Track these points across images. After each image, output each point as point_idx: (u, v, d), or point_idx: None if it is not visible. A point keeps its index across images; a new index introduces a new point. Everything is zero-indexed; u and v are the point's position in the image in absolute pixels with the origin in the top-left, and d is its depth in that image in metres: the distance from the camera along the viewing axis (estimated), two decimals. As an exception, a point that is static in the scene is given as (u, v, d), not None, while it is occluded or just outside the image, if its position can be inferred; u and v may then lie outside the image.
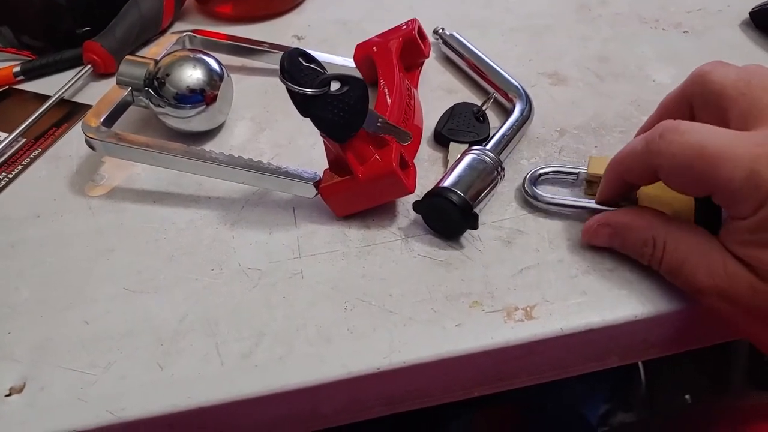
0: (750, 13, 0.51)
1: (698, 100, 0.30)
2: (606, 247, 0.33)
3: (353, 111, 0.31)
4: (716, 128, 0.27)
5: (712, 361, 0.83)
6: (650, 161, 0.28)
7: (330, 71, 0.44)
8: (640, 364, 0.73)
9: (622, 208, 0.33)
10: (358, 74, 0.44)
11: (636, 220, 0.31)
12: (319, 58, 0.44)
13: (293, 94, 0.30)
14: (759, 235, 0.26)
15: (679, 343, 0.35)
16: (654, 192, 0.33)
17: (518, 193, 0.37)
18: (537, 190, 0.35)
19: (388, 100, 0.38)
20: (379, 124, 0.33)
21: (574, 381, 0.65)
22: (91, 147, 0.37)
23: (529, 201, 0.36)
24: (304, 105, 0.31)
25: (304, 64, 0.31)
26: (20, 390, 0.28)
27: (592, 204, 0.34)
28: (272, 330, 0.30)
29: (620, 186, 0.32)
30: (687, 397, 0.81)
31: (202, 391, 0.28)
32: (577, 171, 0.36)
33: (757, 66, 0.29)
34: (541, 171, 0.36)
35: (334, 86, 0.31)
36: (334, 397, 0.30)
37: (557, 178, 0.37)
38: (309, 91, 0.30)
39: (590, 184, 0.36)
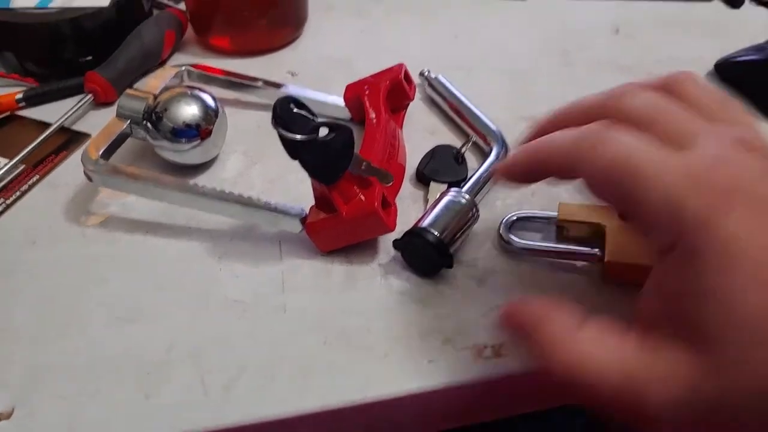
0: (715, 65, 0.54)
1: (587, 178, 0.26)
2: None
3: (339, 156, 0.33)
4: (649, 142, 0.24)
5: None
6: (575, 165, 0.26)
7: (321, 110, 0.47)
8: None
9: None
10: (347, 113, 0.46)
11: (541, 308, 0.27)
12: (311, 96, 0.47)
13: (284, 139, 0.32)
14: (688, 284, 0.22)
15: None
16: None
17: (493, 234, 0.39)
18: (511, 236, 0.37)
19: (374, 140, 0.40)
20: (363, 167, 0.35)
21: (550, 412, 0.66)
22: (89, 179, 0.39)
23: (504, 246, 0.38)
24: (293, 149, 0.33)
25: (295, 110, 0.33)
26: (9, 416, 0.29)
27: (560, 247, 0.36)
28: (255, 362, 0.32)
29: (534, 168, 0.29)
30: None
31: (185, 420, 0.29)
32: (548, 216, 0.38)
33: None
34: (514, 218, 0.38)
35: (323, 132, 0.33)
36: (311, 429, 0.31)
37: (530, 223, 0.39)
38: (298, 137, 0.32)
39: (560, 229, 0.38)
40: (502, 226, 0.38)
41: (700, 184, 0.22)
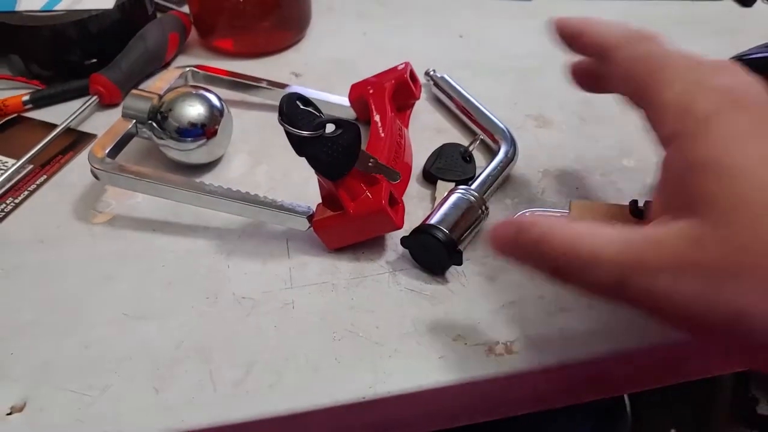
0: (727, 63, 0.54)
1: (613, 63, 0.30)
2: None
3: (346, 152, 0.33)
4: (676, 50, 0.27)
5: (697, 395, 0.84)
6: (612, 47, 0.29)
7: (326, 110, 0.46)
8: (626, 397, 0.74)
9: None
10: (352, 113, 0.46)
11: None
12: (315, 96, 0.47)
13: (290, 136, 0.32)
14: (687, 162, 0.23)
15: (654, 378, 0.37)
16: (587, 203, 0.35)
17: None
18: None
19: (381, 138, 0.40)
20: (370, 164, 0.35)
21: (560, 414, 0.66)
22: (96, 177, 0.39)
23: None
24: (300, 146, 0.32)
25: (301, 107, 0.33)
26: (21, 409, 0.30)
27: None
28: (263, 358, 0.32)
29: (577, 34, 0.32)
30: (673, 431, 0.83)
31: (195, 415, 0.29)
32: (559, 215, 0.38)
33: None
34: (526, 213, 0.38)
35: (329, 128, 0.33)
36: (321, 424, 0.31)
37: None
38: (305, 133, 0.32)
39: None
40: None
41: (711, 89, 0.24)
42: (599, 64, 0.30)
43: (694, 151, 0.23)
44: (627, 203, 0.35)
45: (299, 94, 0.33)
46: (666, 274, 0.22)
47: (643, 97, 0.27)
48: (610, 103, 0.50)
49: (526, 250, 0.26)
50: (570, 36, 0.33)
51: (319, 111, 0.33)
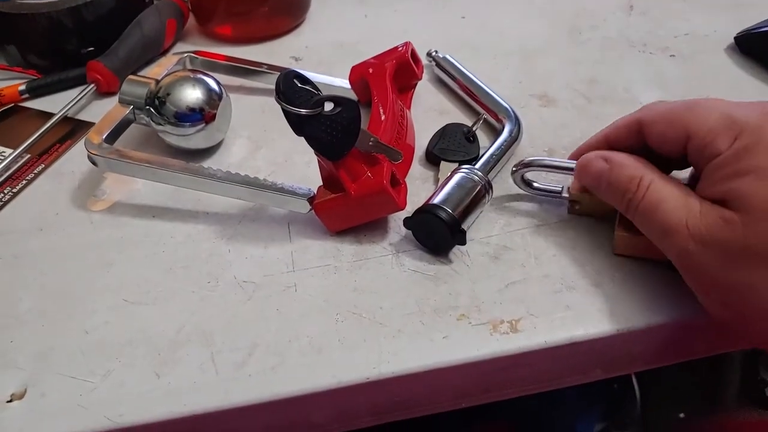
0: (735, 38, 0.53)
1: (648, 120, 0.33)
2: (588, 185, 0.35)
3: (346, 131, 0.33)
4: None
5: (706, 378, 0.84)
6: (637, 117, 0.33)
7: (326, 92, 0.46)
8: (634, 381, 0.73)
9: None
10: (353, 95, 0.46)
11: (629, 159, 0.33)
12: (315, 79, 0.46)
13: (288, 114, 0.32)
14: (735, 166, 0.27)
15: (661, 356, 0.36)
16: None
17: (506, 209, 0.38)
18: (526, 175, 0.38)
19: (382, 120, 0.39)
20: (371, 143, 0.34)
21: (568, 398, 0.66)
22: (93, 163, 0.38)
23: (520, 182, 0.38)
24: (298, 125, 0.32)
25: (299, 85, 0.32)
26: (21, 396, 0.29)
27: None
28: (266, 341, 0.31)
29: (602, 147, 0.35)
30: (681, 415, 0.82)
31: (197, 399, 0.29)
32: (568, 166, 0.36)
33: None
34: (530, 159, 0.37)
35: (328, 107, 0.32)
36: (324, 406, 0.31)
37: (543, 197, 0.38)
38: (303, 111, 0.31)
39: (573, 203, 0.37)
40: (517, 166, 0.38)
41: (749, 107, 0.29)
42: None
43: (744, 160, 0.27)
44: None
45: (296, 72, 0.32)
46: (692, 244, 0.28)
47: (684, 131, 0.30)
48: (615, 82, 0.50)
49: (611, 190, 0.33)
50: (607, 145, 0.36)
51: (317, 89, 0.33)
